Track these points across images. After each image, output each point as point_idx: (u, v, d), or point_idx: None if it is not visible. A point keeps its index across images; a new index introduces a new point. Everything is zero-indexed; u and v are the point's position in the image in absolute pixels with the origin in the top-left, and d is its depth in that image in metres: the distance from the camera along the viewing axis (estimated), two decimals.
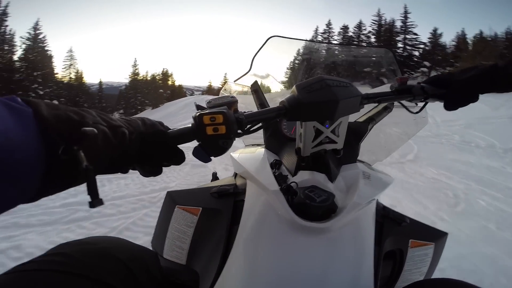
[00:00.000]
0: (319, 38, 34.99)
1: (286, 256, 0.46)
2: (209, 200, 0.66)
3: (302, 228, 0.47)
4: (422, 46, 30.89)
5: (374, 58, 1.04)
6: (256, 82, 0.90)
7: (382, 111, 0.80)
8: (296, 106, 0.48)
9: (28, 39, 31.17)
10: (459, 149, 4.86)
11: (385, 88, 0.77)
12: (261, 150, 0.74)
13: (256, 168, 0.62)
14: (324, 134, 0.55)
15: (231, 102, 0.46)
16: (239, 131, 0.45)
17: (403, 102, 0.71)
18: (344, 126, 0.57)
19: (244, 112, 0.48)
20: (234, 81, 0.89)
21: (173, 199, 0.67)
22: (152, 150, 0.38)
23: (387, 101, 0.66)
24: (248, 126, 0.47)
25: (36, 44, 31.68)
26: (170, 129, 0.43)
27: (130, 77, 44.98)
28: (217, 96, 0.51)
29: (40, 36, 32.09)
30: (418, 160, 4.00)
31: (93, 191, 0.31)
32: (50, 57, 34.25)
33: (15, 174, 0.24)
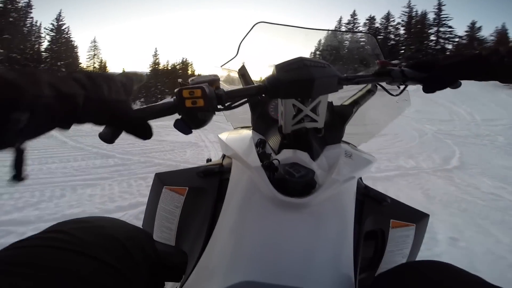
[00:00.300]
0: (343, 28, 33.83)
1: (266, 231, 0.46)
2: (195, 180, 0.67)
3: (283, 203, 0.48)
4: (457, 39, 29.30)
5: (358, 44, 1.11)
6: (243, 66, 0.91)
7: (366, 94, 0.79)
8: (275, 84, 0.51)
9: (51, 30, 32.11)
10: (506, 153, 4.34)
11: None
12: (248, 131, 0.76)
13: (240, 147, 0.63)
14: (304, 112, 0.57)
15: (213, 80, 0.51)
16: (220, 106, 0.50)
17: (384, 85, 0.70)
18: (324, 105, 0.59)
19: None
20: (221, 66, 0.89)
21: (161, 180, 0.68)
22: (115, 123, 0.37)
23: (365, 83, 0.69)
24: (229, 102, 0.52)
25: (59, 35, 32.64)
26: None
27: (151, 67, 45.80)
28: (204, 75, 0.54)
29: (64, 27, 33.01)
30: (466, 167, 3.41)
31: (17, 165, 0.29)
32: (74, 47, 35.22)
33: None
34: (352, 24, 34.97)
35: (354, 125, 0.82)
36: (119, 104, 0.36)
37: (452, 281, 0.40)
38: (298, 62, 0.52)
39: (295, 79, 0.50)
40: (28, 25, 29.11)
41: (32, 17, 29.64)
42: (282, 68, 0.52)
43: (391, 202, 0.67)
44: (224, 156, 0.82)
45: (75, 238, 0.41)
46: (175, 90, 0.44)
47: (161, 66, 46.60)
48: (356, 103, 0.81)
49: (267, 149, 0.63)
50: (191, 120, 0.47)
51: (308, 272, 0.43)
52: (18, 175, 0.30)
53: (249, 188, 0.53)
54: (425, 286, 0.41)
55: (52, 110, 0.28)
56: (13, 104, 0.24)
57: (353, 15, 35.24)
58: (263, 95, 0.54)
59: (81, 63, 34.95)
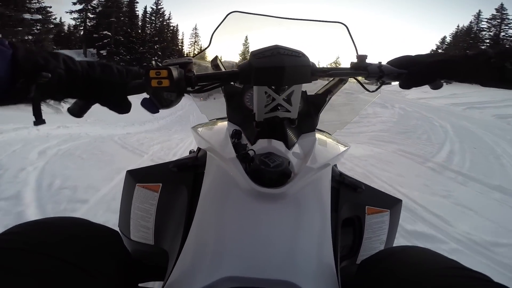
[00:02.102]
0: (484, 25, 28.42)
1: (244, 223, 0.45)
2: (168, 175, 0.65)
3: (259, 194, 0.47)
4: None
5: (329, 33, 1.09)
6: (216, 57, 0.92)
7: (338, 83, 0.81)
8: (247, 70, 0.52)
9: (151, 13, 33.87)
10: None
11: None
12: (223, 123, 0.75)
13: (215, 139, 0.62)
14: (276, 101, 0.58)
15: (185, 63, 0.53)
16: (189, 88, 0.53)
17: (361, 79, 0.68)
18: (297, 95, 0.59)
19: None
20: (193, 56, 0.80)
21: (133, 177, 0.66)
22: (100, 96, 0.49)
23: (341, 76, 0.72)
24: (199, 86, 0.55)
25: (157, 19, 34.26)
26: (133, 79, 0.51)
27: (240, 56, 47.10)
28: (176, 58, 0.56)
29: (161, 11, 34.38)
30: None
31: (36, 113, 0.43)
32: (174, 32, 36.72)
33: None
34: (498, 20, 26.24)
35: (328, 113, 0.85)
36: (106, 84, 0.48)
37: (430, 264, 0.43)
38: (272, 50, 0.52)
39: (267, 66, 0.50)
40: (135, 10, 31.20)
41: (137, 2, 31.67)
42: (256, 55, 0.52)
43: (365, 189, 0.69)
44: (199, 149, 0.80)
45: (33, 239, 0.40)
46: (144, 70, 0.47)
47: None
48: (329, 92, 0.82)
49: (243, 139, 0.61)
50: (157, 99, 0.49)
51: (290, 263, 0.42)
52: (38, 120, 0.43)
53: (224, 181, 0.52)
54: (406, 270, 0.43)
55: (62, 78, 0.43)
56: (43, 66, 0.40)
57: (501, 8, 26.43)
58: (236, 81, 0.56)
59: (174, 47, 36.61)
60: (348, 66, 0.64)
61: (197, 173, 0.63)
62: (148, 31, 34.10)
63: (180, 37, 40.04)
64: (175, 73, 0.47)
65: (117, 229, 0.60)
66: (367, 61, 0.62)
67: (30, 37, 9.82)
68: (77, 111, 0.50)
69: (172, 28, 37.39)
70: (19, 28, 9.21)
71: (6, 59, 0.37)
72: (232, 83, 0.76)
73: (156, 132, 7.63)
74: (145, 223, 0.63)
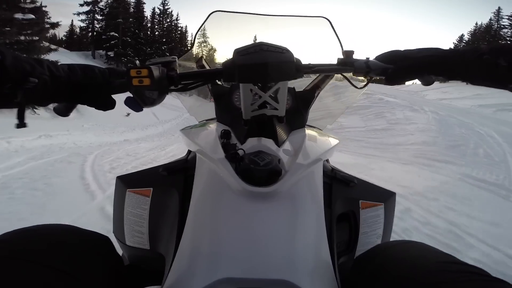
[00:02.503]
0: (505, 22, 27.07)
1: (237, 224, 0.45)
2: (159, 179, 0.64)
3: (251, 194, 0.46)
4: None
5: (313, 28, 1.07)
6: (201, 57, 0.91)
7: (325, 78, 0.81)
8: (231, 68, 0.51)
9: (158, 14, 33.39)
10: None
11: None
12: (212, 124, 0.75)
13: (204, 140, 0.63)
14: (263, 98, 0.57)
15: (168, 62, 0.54)
16: (172, 87, 0.53)
17: (348, 76, 0.68)
18: (283, 92, 0.58)
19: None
20: (178, 59, 0.71)
21: (123, 183, 0.65)
22: (83, 97, 0.50)
23: (327, 73, 0.70)
24: (183, 84, 0.55)
25: (164, 19, 33.77)
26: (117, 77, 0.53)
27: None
28: (160, 57, 0.57)
29: (170, 11, 33.96)
30: None
31: (20, 117, 0.44)
32: (182, 32, 36.33)
33: None
34: None
35: (318, 109, 0.88)
36: (89, 85, 0.49)
37: (426, 259, 0.42)
38: (255, 47, 0.51)
39: (249, 63, 0.50)
40: (143, 10, 30.73)
41: (144, 3, 31.22)
42: (239, 52, 0.51)
43: (358, 183, 0.68)
44: (189, 152, 0.79)
45: (21, 247, 0.39)
46: (125, 69, 0.47)
47: None
48: (317, 87, 0.83)
49: (232, 139, 0.61)
50: (140, 98, 0.49)
51: (286, 262, 0.40)
52: (20, 123, 0.44)
53: (215, 182, 0.52)
54: (402, 265, 0.42)
55: (47, 83, 0.43)
56: (30, 72, 0.41)
57: None
58: (220, 79, 0.61)
59: (182, 48, 36.31)
60: (335, 62, 0.64)
61: (188, 176, 0.62)
62: (156, 32, 33.64)
63: (189, 38, 39.90)
64: (156, 72, 0.48)
65: (110, 235, 0.59)
66: (354, 56, 0.62)
67: (22, 37, 9.19)
68: (63, 111, 0.52)
69: (180, 28, 36.94)
70: (7, 28, 8.55)
71: None
72: (219, 82, 0.82)
73: (156, 139, 6.83)
74: (139, 228, 0.62)
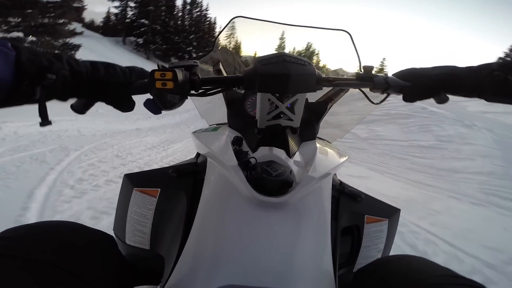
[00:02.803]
0: None
1: (245, 232, 0.45)
2: (167, 181, 0.64)
3: (260, 203, 0.47)
4: None
5: (333, 41, 1.08)
6: (218, 62, 0.91)
7: (339, 91, 0.81)
8: (251, 76, 0.51)
9: (188, 3, 33.18)
10: None
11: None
12: (224, 129, 0.74)
13: (215, 145, 0.61)
14: (280, 108, 0.57)
15: (191, 66, 0.54)
16: (193, 91, 0.54)
17: (365, 91, 0.66)
18: (301, 104, 0.58)
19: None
20: (198, 59, 0.75)
21: (130, 181, 0.65)
22: (103, 95, 0.49)
23: (346, 87, 0.67)
24: (203, 90, 0.55)
25: (193, 9, 33.52)
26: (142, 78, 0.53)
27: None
28: (183, 60, 0.56)
29: (198, 2, 33.63)
30: None
31: (42, 114, 0.43)
32: (210, 23, 36.10)
33: None
34: None
35: (329, 122, 0.87)
36: (110, 84, 0.49)
37: (425, 273, 0.42)
38: (278, 57, 0.51)
39: (271, 73, 0.50)
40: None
41: None
42: (261, 61, 0.51)
43: (364, 198, 0.69)
44: (198, 155, 0.80)
45: (23, 244, 0.39)
46: (150, 71, 0.48)
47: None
48: (330, 99, 0.81)
49: (244, 146, 0.61)
50: (161, 100, 0.50)
51: (290, 272, 0.41)
52: (44, 121, 0.44)
53: (225, 188, 0.52)
54: (401, 279, 0.43)
55: (66, 79, 0.43)
56: (47, 68, 0.40)
57: None
58: (239, 87, 0.56)
59: (212, 39, 36.19)
60: (354, 75, 0.64)
61: (197, 179, 0.62)
62: (185, 22, 33.44)
63: (217, 29, 39.64)
64: (180, 75, 0.48)
65: (111, 233, 0.59)
66: (373, 72, 0.62)
67: (46, 20, 8.99)
68: (80, 108, 0.52)
69: (208, 19, 36.62)
70: (29, 11, 8.32)
71: (10, 62, 0.37)
72: (234, 88, 0.76)
73: (168, 131, 6.24)
74: (142, 227, 0.62)
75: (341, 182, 0.71)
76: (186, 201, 0.59)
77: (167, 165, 0.71)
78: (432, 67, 0.56)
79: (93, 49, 16.46)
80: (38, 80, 0.40)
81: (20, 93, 0.39)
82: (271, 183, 0.47)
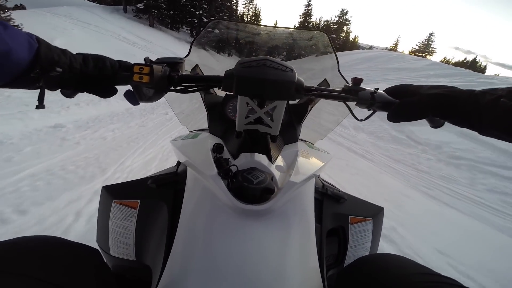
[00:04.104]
0: None
1: (229, 241, 0.45)
2: (147, 192, 0.64)
3: (243, 211, 0.47)
4: None
5: (310, 41, 1.09)
6: (196, 66, 0.91)
7: None
8: (230, 78, 0.52)
9: None
10: None
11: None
12: (204, 135, 0.72)
13: (195, 154, 0.60)
14: (257, 114, 0.57)
15: (175, 63, 0.57)
16: (172, 87, 0.57)
17: (350, 104, 0.64)
18: (280, 111, 0.57)
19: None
20: (185, 57, 0.79)
21: (109, 193, 0.65)
22: (91, 86, 0.55)
23: (329, 99, 0.64)
24: (182, 87, 0.58)
25: None
26: (127, 64, 0.57)
27: (301, 18, 44.74)
28: (170, 56, 0.60)
29: None
30: None
31: (40, 99, 0.51)
32: None
33: (4, 67, 0.42)
34: None
35: (310, 123, 0.87)
36: (99, 77, 0.54)
37: (403, 272, 0.44)
38: (259, 61, 0.51)
39: (248, 76, 0.50)
40: None
41: None
42: (242, 64, 0.52)
43: (348, 199, 0.70)
44: (178, 163, 0.78)
45: (5, 259, 0.39)
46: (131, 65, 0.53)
47: (311, 21, 44.34)
48: (311, 101, 0.82)
49: (225, 153, 0.60)
50: (137, 92, 0.53)
51: (276, 279, 0.42)
52: (40, 105, 0.51)
53: (207, 198, 0.52)
54: (383, 277, 0.44)
55: (65, 73, 0.49)
56: (57, 62, 0.47)
57: None
58: (219, 88, 0.56)
59: (227, 3, 31.16)
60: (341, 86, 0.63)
61: (177, 189, 0.62)
62: None
63: None
64: (157, 71, 0.51)
65: (95, 245, 0.60)
66: (362, 85, 0.59)
67: None
68: (70, 94, 0.56)
69: None
70: None
71: (32, 51, 0.44)
72: (212, 92, 0.83)
73: (162, 116, 5.02)
74: (125, 239, 0.61)
75: (323, 184, 0.73)
76: (167, 212, 0.59)
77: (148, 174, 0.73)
78: (429, 86, 0.50)
79: (81, 19, 13.93)
80: (47, 71, 0.46)
81: (27, 79, 0.45)
82: (252, 191, 0.47)
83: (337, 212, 0.67)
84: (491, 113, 0.41)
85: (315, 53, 1.09)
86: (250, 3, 44.58)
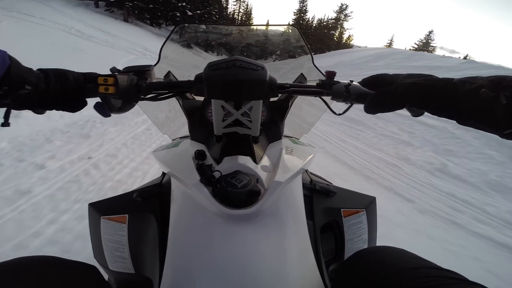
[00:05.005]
0: None
1: (221, 248, 0.45)
2: (133, 206, 0.64)
3: (230, 216, 0.47)
4: None
5: (282, 36, 1.11)
6: (169, 72, 0.89)
7: None
8: (200, 82, 0.52)
9: None
10: None
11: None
12: (185, 142, 0.72)
13: (176, 163, 0.61)
14: (234, 116, 0.57)
15: (142, 71, 0.56)
16: (142, 96, 0.56)
17: (326, 99, 0.64)
18: (257, 111, 0.58)
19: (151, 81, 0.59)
20: (155, 65, 0.78)
21: (96, 210, 0.66)
22: (56, 103, 0.53)
23: (304, 95, 0.65)
24: (153, 95, 0.57)
25: None
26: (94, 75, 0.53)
27: (295, 15, 43.24)
28: (138, 65, 0.58)
29: None
30: None
31: (6, 117, 0.47)
32: None
33: None
34: None
35: (293, 118, 0.88)
36: (63, 92, 0.52)
37: (406, 265, 0.44)
38: (228, 62, 0.51)
39: (219, 79, 0.49)
40: None
41: None
42: (211, 67, 0.51)
43: (337, 192, 0.70)
44: (164, 173, 0.78)
45: (4, 282, 0.39)
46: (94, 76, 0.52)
47: (308, 16, 43.51)
48: (291, 96, 0.83)
49: (208, 159, 0.60)
50: (107, 104, 0.53)
51: (274, 281, 0.42)
52: (5, 123, 0.47)
53: (193, 207, 0.52)
54: (383, 270, 0.44)
55: (31, 92, 0.48)
56: (25, 80, 0.46)
57: None
58: (191, 92, 0.57)
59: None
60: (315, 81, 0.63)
61: (163, 200, 0.62)
62: None
63: None
64: (123, 81, 0.50)
65: (93, 261, 0.60)
66: (336, 78, 0.59)
67: None
68: (38, 111, 0.54)
69: None
70: None
71: (3, 69, 0.43)
72: (190, 97, 0.81)
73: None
74: (120, 253, 0.61)
75: (311, 179, 0.73)
76: (156, 224, 0.59)
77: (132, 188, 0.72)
78: (406, 75, 0.50)
79: (24, 11, 11.48)
80: (16, 89, 0.46)
81: None
82: (237, 195, 0.47)
83: (328, 206, 0.67)
84: (470, 103, 0.40)
85: (289, 49, 1.10)
86: (241, 0, 42.36)
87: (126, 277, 0.62)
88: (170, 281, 0.44)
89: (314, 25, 46.85)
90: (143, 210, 0.61)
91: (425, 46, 49.42)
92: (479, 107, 0.39)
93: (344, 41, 48.84)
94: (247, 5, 44.88)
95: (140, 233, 0.59)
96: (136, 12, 22.34)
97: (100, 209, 0.64)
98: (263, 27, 0.93)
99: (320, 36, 42.19)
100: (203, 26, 0.93)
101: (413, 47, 50.86)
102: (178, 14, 24.29)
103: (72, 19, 13.28)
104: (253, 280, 0.40)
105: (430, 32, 50.05)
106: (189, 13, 25.06)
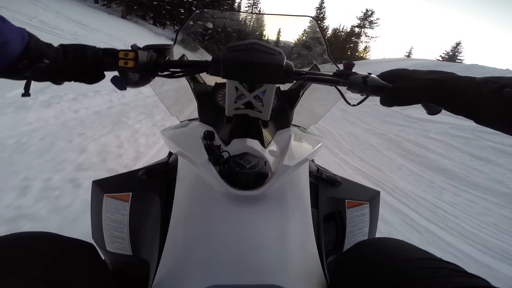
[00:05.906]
0: None
1: (224, 229, 0.45)
2: (138, 184, 0.65)
3: (236, 197, 0.47)
4: None
5: (300, 27, 1.12)
6: (183, 55, 0.92)
7: None
8: (217, 62, 0.52)
9: None
10: None
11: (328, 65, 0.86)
12: (194, 123, 0.74)
13: (185, 142, 0.62)
14: (247, 98, 0.58)
15: (162, 48, 0.57)
16: (160, 72, 0.57)
17: (341, 89, 0.64)
18: (270, 96, 0.59)
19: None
20: (174, 44, 0.81)
21: (100, 188, 0.66)
22: (75, 77, 0.56)
23: (320, 83, 0.64)
24: (169, 72, 0.58)
25: None
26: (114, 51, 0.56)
27: (310, 22, 42.02)
28: (158, 43, 0.60)
29: None
30: None
31: (27, 88, 0.51)
32: None
33: None
34: None
35: (303, 108, 0.88)
36: (81, 66, 0.55)
37: (406, 256, 0.44)
38: (247, 44, 0.52)
39: (236, 60, 0.51)
40: None
41: None
42: (230, 48, 0.52)
43: (343, 183, 0.70)
44: (170, 154, 0.80)
45: None
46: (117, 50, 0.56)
47: (325, 24, 43.40)
48: (302, 86, 0.84)
49: (216, 141, 0.61)
50: (124, 77, 0.54)
51: (275, 266, 0.41)
52: (26, 93, 0.51)
53: (199, 186, 0.52)
54: (382, 262, 0.44)
55: (50, 65, 0.51)
56: (44, 54, 0.50)
57: None
58: (207, 72, 0.56)
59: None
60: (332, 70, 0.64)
61: (169, 179, 0.62)
62: None
63: None
64: (143, 56, 0.52)
65: (91, 240, 0.59)
66: (354, 70, 0.59)
67: None
68: (57, 82, 0.56)
69: None
70: None
71: (23, 45, 0.47)
72: (201, 81, 0.83)
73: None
74: (120, 234, 0.62)
75: (318, 168, 0.74)
76: (159, 203, 0.60)
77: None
78: (426, 71, 0.49)
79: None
80: (35, 62, 0.49)
81: (15, 69, 0.48)
82: (245, 176, 0.47)
83: (333, 196, 0.67)
84: (493, 102, 0.40)
85: (305, 40, 1.10)
86: (254, 6, 40.52)
87: (122, 258, 0.63)
88: (170, 260, 0.44)
89: (328, 34, 44.58)
90: (147, 188, 0.62)
91: (451, 58, 46.08)
92: (502, 107, 0.39)
93: (359, 53, 45.51)
94: (259, 10, 43.23)
95: (142, 213, 0.60)
96: (136, 8, 20.23)
97: (104, 186, 0.64)
98: (280, 17, 0.90)
99: (339, 45, 39.81)
100: (219, 12, 0.92)
101: (438, 59, 47.65)
102: (183, 10, 22.00)
103: (46, 9, 11.47)
104: (254, 263, 0.40)
105: (458, 43, 47.05)
106: (195, 9, 22.74)
